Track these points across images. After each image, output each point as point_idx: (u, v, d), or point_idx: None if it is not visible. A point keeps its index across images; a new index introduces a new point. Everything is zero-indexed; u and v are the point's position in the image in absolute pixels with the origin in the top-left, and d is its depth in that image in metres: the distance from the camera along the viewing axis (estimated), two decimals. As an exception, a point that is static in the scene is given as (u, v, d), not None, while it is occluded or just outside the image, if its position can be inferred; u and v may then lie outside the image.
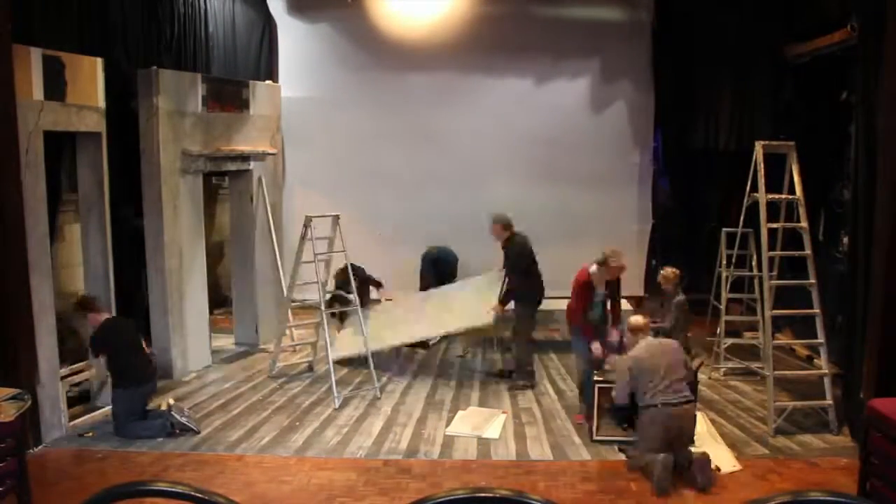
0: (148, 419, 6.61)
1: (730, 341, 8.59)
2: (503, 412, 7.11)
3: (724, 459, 5.90)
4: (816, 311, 6.89)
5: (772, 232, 7.26)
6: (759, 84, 9.09)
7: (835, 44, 7.67)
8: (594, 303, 7.07)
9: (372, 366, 7.69)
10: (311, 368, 8.53)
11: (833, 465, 5.91)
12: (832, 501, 1.87)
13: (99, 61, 7.01)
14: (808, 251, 7.00)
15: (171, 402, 6.78)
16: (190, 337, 8.35)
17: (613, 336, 7.06)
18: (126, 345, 6.68)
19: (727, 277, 8.31)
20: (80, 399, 7.14)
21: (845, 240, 7.34)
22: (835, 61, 7.89)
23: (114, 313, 7.02)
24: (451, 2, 10.93)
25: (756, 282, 8.25)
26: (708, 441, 6.26)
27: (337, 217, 8.04)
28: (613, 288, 7.27)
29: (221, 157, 8.74)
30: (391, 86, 11.22)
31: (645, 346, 5.93)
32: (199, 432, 6.59)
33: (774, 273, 7.35)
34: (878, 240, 5.87)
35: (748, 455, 6.09)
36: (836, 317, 7.65)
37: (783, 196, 7.36)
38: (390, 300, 9.73)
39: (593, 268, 6.89)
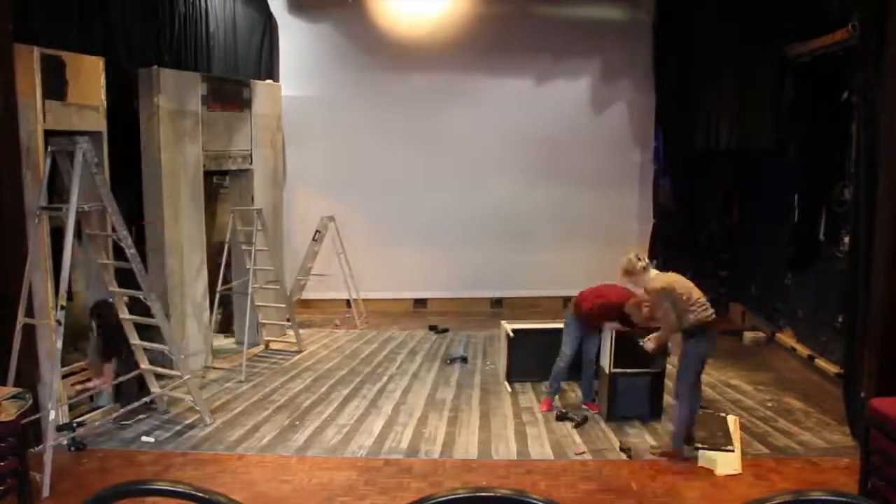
0: None
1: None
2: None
3: (725, 461, 5.88)
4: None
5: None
6: (760, 84, 9.07)
7: (836, 43, 7.66)
8: None
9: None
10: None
11: (834, 464, 5.90)
12: (833, 501, 1.88)
13: (100, 61, 7.01)
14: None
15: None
16: (191, 336, 8.36)
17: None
18: None
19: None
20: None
21: (846, 239, 7.34)
22: (836, 61, 7.88)
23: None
24: (452, 2, 10.95)
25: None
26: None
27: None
28: None
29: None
30: (392, 85, 11.24)
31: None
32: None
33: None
34: (878, 239, 5.86)
35: (749, 455, 6.08)
36: (837, 316, 7.65)
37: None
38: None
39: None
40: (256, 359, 9.04)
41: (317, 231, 10.55)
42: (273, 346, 9.63)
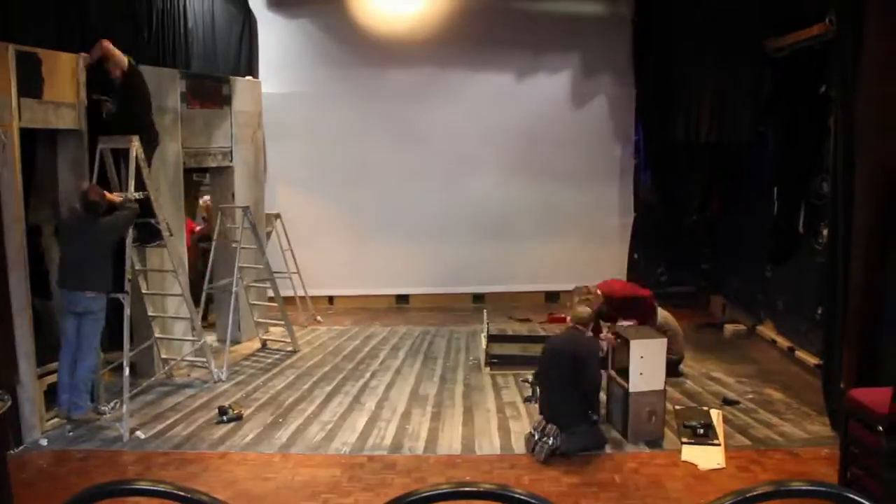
0: None
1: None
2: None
3: (708, 455, 5.92)
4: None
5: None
6: (739, 77, 9.13)
7: (813, 37, 7.72)
8: None
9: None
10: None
11: (814, 454, 5.97)
12: (813, 491, 1.90)
13: (77, 58, 6.94)
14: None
15: None
16: (173, 334, 8.29)
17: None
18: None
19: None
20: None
21: (825, 232, 7.40)
22: (813, 55, 7.95)
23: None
24: (432, -3, 10.92)
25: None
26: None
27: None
28: None
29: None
30: (372, 81, 11.21)
31: None
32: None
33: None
34: (856, 232, 5.93)
35: (730, 446, 6.12)
36: (817, 308, 7.72)
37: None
38: None
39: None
40: (247, 357, 8.99)
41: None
42: (269, 344, 9.52)
